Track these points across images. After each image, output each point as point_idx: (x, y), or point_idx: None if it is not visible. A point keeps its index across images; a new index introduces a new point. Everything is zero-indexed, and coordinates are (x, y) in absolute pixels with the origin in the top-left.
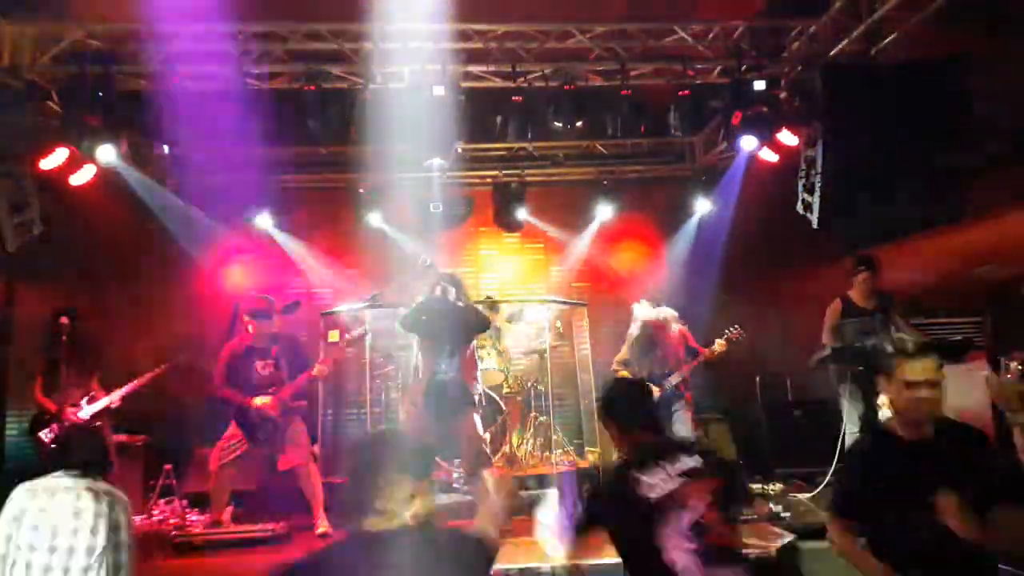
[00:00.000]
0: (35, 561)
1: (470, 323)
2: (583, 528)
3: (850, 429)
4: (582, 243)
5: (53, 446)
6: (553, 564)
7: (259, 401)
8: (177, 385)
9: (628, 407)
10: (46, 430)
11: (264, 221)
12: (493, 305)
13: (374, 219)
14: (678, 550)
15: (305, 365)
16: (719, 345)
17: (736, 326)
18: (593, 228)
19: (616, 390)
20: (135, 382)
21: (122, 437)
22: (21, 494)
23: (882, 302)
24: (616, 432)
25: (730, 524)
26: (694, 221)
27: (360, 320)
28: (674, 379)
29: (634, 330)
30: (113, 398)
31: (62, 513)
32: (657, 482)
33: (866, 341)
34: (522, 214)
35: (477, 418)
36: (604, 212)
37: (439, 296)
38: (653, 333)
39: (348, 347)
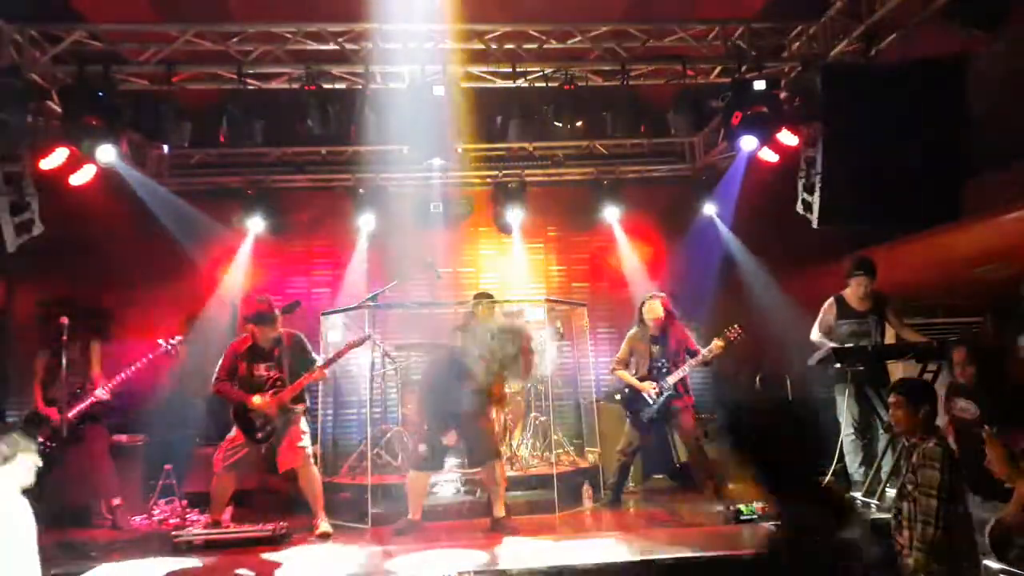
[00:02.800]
0: None
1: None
2: None
3: (845, 431)
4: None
5: None
6: (552, 564)
7: (257, 400)
8: (176, 383)
9: None
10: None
11: (259, 224)
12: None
13: (374, 219)
14: None
15: (311, 364)
16: (717, 345)
17: (735, 325)
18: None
19: None
20: (118, 378)
21: (122, 437)
22: None
23: (876, 304)
24: None
25: None
26: (694, 221)
27: (361, 325)
28: (673, 378)
29: (640, 323)
30: (101, 395)
31: None
32: None
33: (859, 343)
34: (514, 215)
35: (488, 412)
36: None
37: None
38: (665, 320)
39: (349, 351)
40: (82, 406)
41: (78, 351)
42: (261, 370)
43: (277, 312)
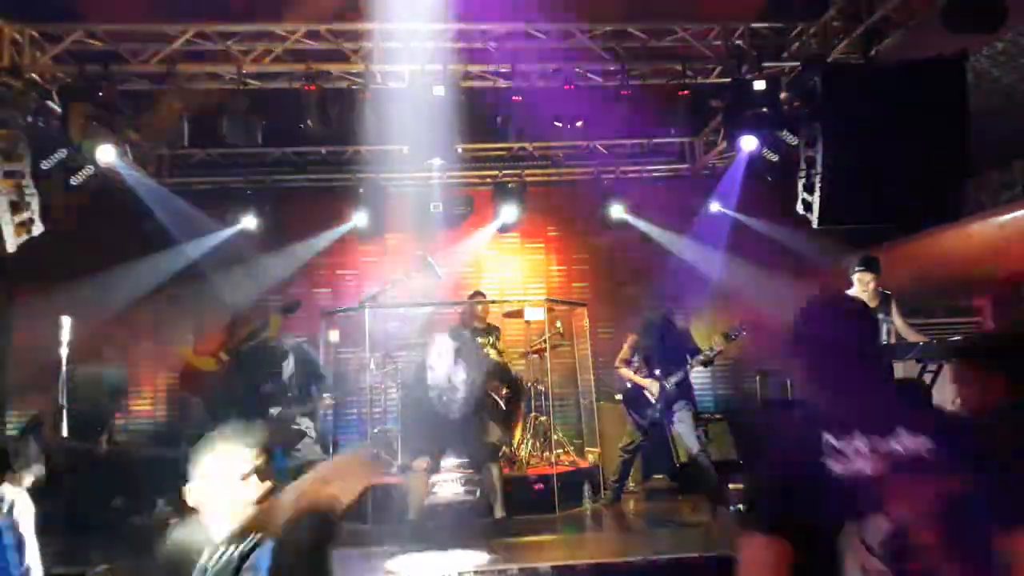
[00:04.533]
0: None
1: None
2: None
3: None
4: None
5: None
6: (552, 564)
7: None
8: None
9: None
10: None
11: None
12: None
13: (374, 219)
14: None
15: (314, 373)
16: (717, 343)
17: (739, 324)
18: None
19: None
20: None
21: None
22: None
23: (882, 302)
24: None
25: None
26: (697, 221)
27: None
28: (675, 378)
29: (643, 328)
30: None
31: None
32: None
33: None
34: (511, 215)
35: (486, 415)
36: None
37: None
38: (666, 322)
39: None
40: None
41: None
42: (267, 385)
43: (276, 322)
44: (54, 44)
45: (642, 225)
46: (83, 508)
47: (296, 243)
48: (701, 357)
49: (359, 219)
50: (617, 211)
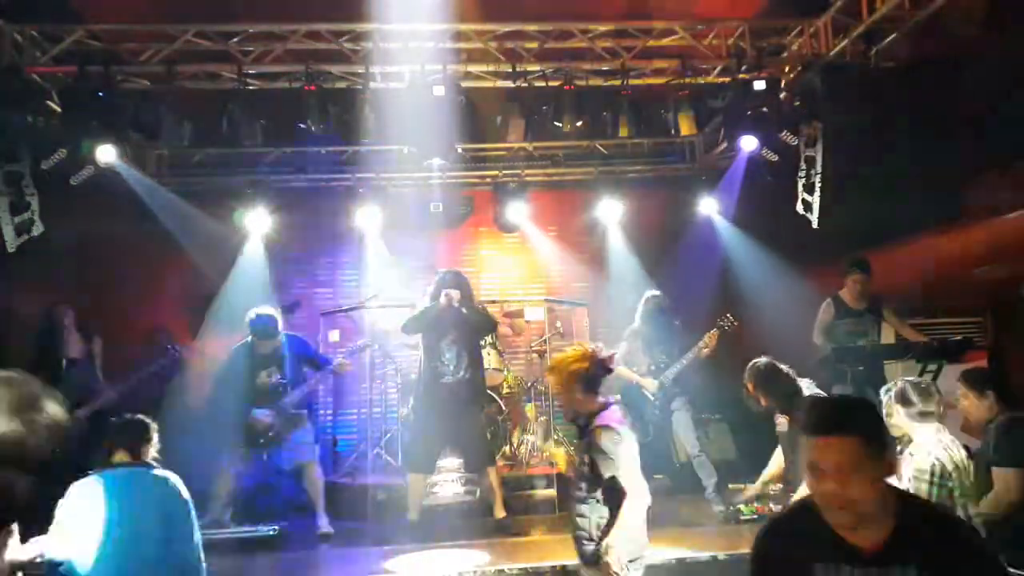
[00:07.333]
0: None
1: (475, 324)
2: None
3: None
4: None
5: None
6: (552, 564)
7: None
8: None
9: None
10: None
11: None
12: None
13: (374, 219)
14: None
15: (314, 366)
16: (711, 336)
17: (727, 315)
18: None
19: None
20: (129, 380)
21: None
22: None
23: (873, 304)
24: None
25: None
26: (695, 221)
27: (361, 330)
28: (672, 372)
29: (641, 319)
30: (111, 395)
31: None
32: None
33: (857, 342)
34: (514, 215)
35: (483, 417)
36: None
37: (443, 304)
38: (662, 318)
39: (349, 356)
40: (93, 406)
41: (79, 350)
42: (263, 376)
43: (279, 326)
44: (54, 44)
45: (641, 226)
46: None
47: (296, 243)
48: (695, 350)
49: (359, 219)
50: (615, 211)
